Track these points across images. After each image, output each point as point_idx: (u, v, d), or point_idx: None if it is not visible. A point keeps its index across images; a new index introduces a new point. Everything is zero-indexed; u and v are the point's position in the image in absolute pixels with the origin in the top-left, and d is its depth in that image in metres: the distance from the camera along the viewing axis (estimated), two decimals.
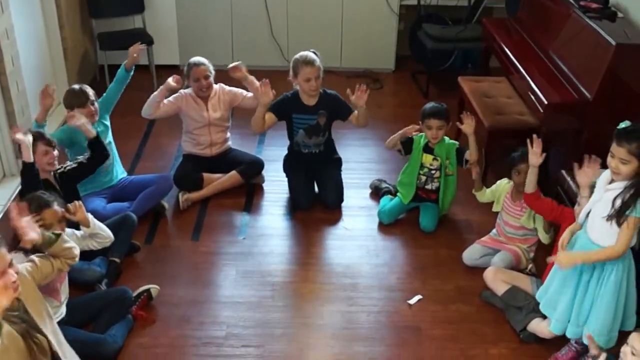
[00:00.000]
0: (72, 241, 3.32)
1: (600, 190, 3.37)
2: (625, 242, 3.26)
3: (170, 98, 4.96)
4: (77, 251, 3.29)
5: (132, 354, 3.72)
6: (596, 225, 3.37)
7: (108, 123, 4.80)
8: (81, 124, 4.23)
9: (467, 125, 4.44)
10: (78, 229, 3.89)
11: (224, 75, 5.13)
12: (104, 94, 4.83)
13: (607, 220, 3.27)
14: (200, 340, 3.82)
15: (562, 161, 4.56)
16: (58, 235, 3.17)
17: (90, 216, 3.86)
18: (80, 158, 4.30)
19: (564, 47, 4.94)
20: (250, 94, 5.05)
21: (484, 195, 4.49)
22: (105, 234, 3.93)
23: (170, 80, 4.81)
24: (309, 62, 4.62)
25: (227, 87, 5.10)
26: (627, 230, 3.24)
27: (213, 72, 4.97)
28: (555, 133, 4.68)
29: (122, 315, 3.83)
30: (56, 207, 3.60)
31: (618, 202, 3.23)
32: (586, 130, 4.49)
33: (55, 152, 4.11)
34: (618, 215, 3.23)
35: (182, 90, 4.99)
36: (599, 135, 4.61)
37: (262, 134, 5.81)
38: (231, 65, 4.91)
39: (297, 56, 4.72)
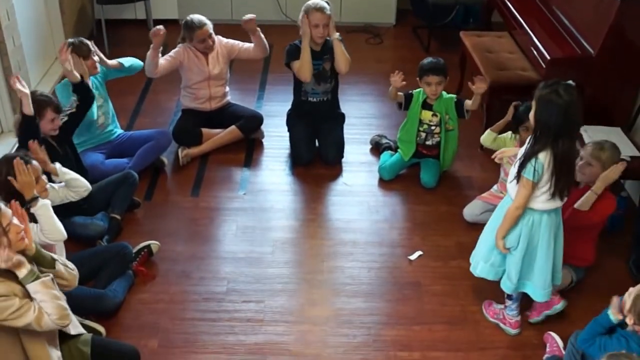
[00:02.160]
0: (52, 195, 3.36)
1: None
2: (520, 200, 3.26)
3: (171, 53, 4.89)
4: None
5: (133, 310, 3.74)
6: (510, 177, 3.39)
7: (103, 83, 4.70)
8: (66, 69, 4.09)
9: (479, 88, 4.40)
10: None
11: (222, 29, 5.07)
12: (107, 70, 4.70)
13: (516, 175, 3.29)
14: (200, 296, 3.84)
15: None
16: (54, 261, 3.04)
17: (58, 165, 3.72)
18: (68, 108, 4.21)
19: (567, 1, 4.87)
20: (247, 45, 5.01)
21: (490, 137, 4.39)
22: (80, 182, 3.80)
23: (153, 38, 4.65)
24: (319, 9, 4.60)
25: (224, 40, 5.04)
26: (521, 189, 3.25)
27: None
28: None
29: (122, 271, 3.85)
30: (35, 163, 3.42)
31: (520, 160, 3.24)
32: (589, 86, 4.45)
33: (60, 120, 4.04)
34: (517, 173, 3.25)
35: (180, 45, 4.93)
36: (602, 91, 4.61)
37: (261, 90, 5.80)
38: (247, 17, 4.83)
39: (309, 2, 4.67)
